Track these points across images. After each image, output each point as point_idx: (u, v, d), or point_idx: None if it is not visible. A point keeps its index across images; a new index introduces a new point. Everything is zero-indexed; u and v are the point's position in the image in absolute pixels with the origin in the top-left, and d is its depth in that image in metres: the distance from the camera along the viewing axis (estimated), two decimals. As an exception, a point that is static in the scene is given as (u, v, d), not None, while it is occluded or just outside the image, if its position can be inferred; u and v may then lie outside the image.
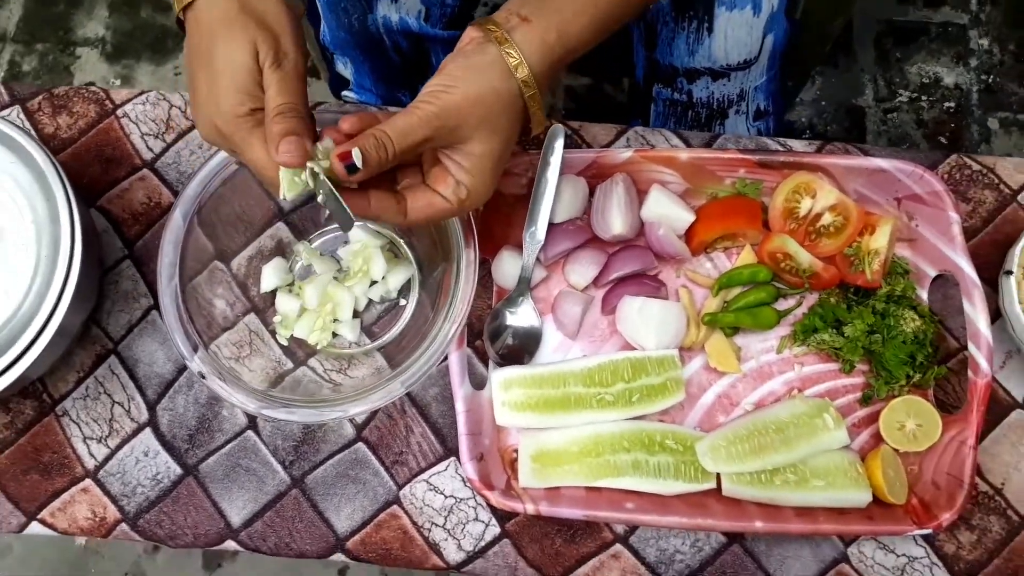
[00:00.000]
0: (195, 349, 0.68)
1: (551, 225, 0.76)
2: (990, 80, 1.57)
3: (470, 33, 0.58)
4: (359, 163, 0.53)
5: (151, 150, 0.82)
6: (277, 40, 0.56)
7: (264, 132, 0.55)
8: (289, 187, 0.56)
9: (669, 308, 0.73)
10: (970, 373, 0.69)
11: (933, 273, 0.75)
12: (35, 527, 0.75)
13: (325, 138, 0.56)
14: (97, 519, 0.75)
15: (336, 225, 0.79)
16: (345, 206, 0.56)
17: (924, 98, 1.57)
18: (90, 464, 0.76)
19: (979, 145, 1.54)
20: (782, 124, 1.03)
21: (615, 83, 1.59)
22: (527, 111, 0.58)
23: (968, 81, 1.57)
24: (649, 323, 0.73)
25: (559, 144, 0.74)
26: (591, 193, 0.78)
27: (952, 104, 1.57)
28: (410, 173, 0.60)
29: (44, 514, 0.75)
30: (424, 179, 0.59)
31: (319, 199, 0.56)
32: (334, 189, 0.55)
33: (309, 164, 0.55)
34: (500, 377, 0.73)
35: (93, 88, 0.84)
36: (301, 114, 0.55)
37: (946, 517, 0.67)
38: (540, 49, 0.56)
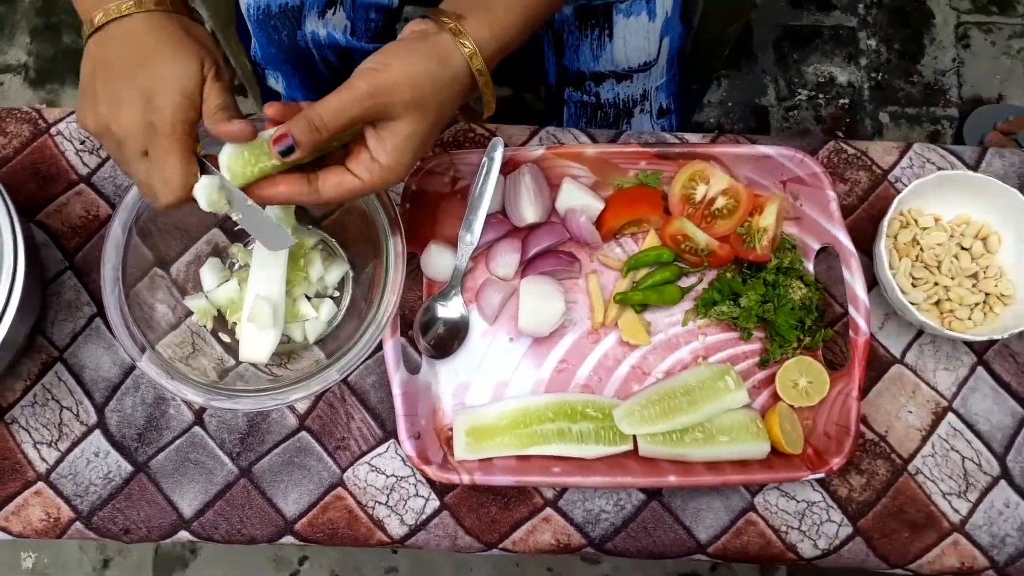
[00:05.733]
0: (142, 350, 0.72)
1: (472, 219, 0.82)
2: (879, 77, 1.70)
3: (413, 26, 0.62)
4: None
5: (87, 165, 0.86)
6: (217, 60, 0.63)
7: (185, 147, 0.60)
8: (209, 202, 0.61)
9: (537, 284, 0.80)
10: (851, 333, 0.78)
11: (817, 246, 0.83)
12: (-12, 532, 0.78)
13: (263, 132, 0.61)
14: (51, 520, 0.78)
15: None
16: (274, 223, 0.62)
17: (821, 96, 1.69)
18: (41, 468, 0.79)
19: (872, 137, 1.67)
20: (686, 122, 1.11)
21: (534, 92, 1.67)
22: (467, 98, 0.62)
23: (859, 79, 1.70)
24: (524, 300, 0.80)
25: (498, 155, 0.80)
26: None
27: (846, 100, 1.69)
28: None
29: (-3, 519, 0.78)
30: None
31: (234, 217, 0.62)
32: (253, 203, 0.61)
33: (224, 183, 0.60)
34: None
35: (25, 109, 0.87)
36: (239, 113, 0.61)
37: (836, 461, 0.75)
38: (481, 42, 0.61)
